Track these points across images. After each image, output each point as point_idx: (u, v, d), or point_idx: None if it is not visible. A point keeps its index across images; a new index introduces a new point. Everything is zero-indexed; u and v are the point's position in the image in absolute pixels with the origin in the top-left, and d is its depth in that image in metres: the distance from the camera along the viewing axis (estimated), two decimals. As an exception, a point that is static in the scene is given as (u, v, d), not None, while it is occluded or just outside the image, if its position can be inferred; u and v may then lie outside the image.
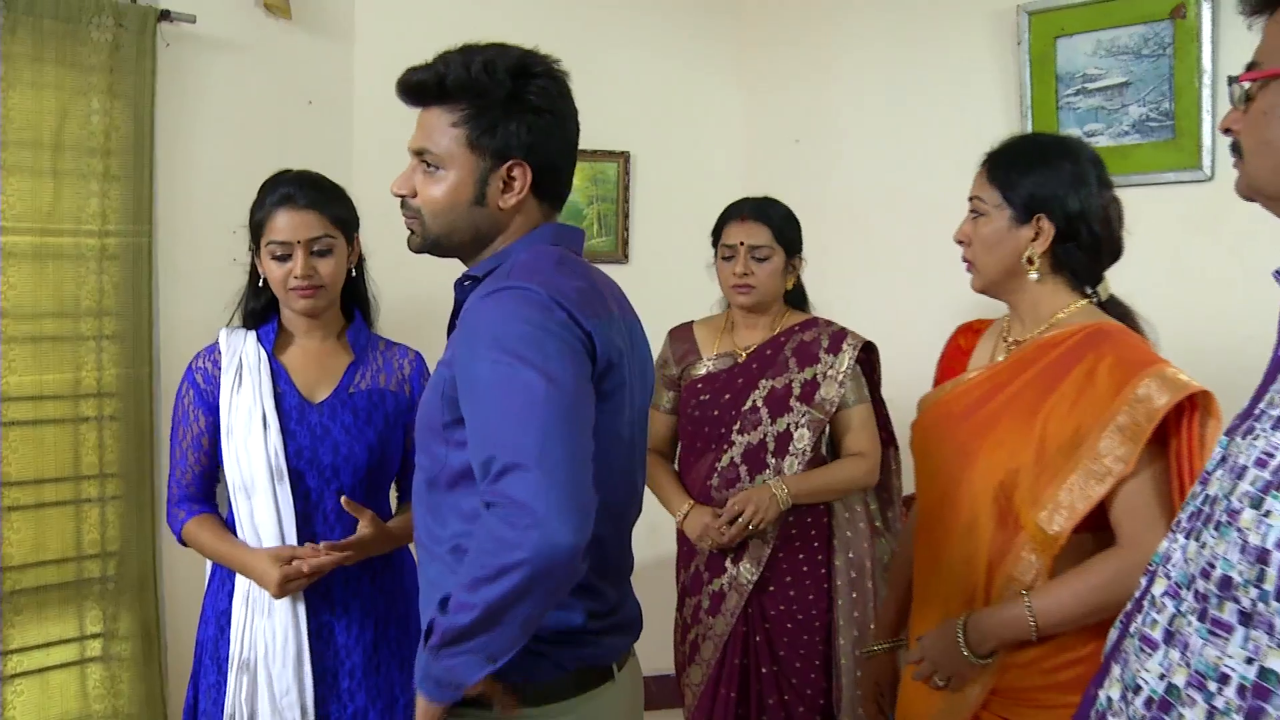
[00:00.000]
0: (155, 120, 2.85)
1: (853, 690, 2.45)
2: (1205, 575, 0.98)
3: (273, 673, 1.96)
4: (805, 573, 2.48)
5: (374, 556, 2.06)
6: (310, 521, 2.03)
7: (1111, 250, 1.73)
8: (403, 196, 1.52)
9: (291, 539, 1.99)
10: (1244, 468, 0.97)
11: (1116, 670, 1.09)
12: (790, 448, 2.46)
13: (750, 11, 3.85)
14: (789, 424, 2.47)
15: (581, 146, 3.47)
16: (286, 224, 2.01)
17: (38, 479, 2.69)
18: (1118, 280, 1.79)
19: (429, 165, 1.49)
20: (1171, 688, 0.98)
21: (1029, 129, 2.94)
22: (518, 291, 1.36)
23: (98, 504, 2.77)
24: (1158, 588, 1.07)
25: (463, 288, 1.52)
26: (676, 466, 2.68)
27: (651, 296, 3.58)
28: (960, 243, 1.79)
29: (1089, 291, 1.74)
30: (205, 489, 2.12)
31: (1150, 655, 1.03)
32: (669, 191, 3.78)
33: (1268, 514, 0.92)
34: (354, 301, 2.19)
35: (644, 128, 3.75)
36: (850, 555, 2.51)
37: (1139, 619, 1.08)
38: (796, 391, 2.48)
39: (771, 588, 2.47)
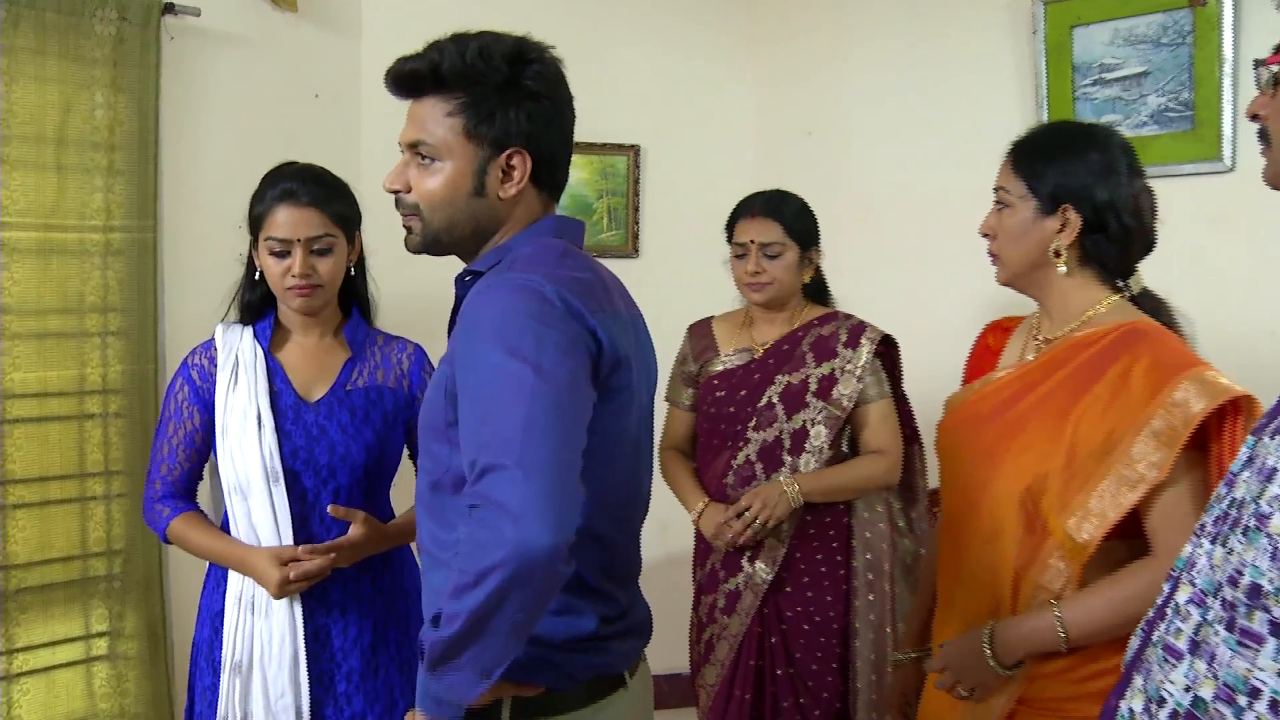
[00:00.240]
0: (159, 114, 2.82)
1: (869, 694, 2.40)
2: (1233, 583, 0.93)
3: (268, 675, 1.93)
4: (823, 574, 2.43)
5: (372, 556, 2.03)
6: (307, 523, 1.99)
7: (1144, 242, 1.67)
8: (397, 193, 1.48)
9: (288, 541, 1.96)
10: (1274, 469, 0.93)
11: (1139, 681, 1.05)
12: (807, 445, 2.41)
13: (761, 2, 3.80)
14: (805, 421, 2.42)
15: (591, 139, 3.56)
16: (287, 220, 1.97)
17: (42, 476, 2.67)
18: (1134, 275, 1.74)
19: (424, 158, 1.45)
20: (1198, 701, 0.94)
21: (1045, 120, 2.89)
22: (518, 284, 1.32)
23: (103, 501, 2.75)
24: (1182, 594, 1.02)
25: (463, 283, 1.47)
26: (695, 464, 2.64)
27: (662, 291, 3.57)
28: (985, 235, 1.73)
29: (1120, 285, 1.68)
30: (190, 487, 2.09)
31: (1175, 666, 0.98)
32: (679, 185, 3.74)
33: None
34: (352, 298, 2.16)
35: (654, 121, 3.71)
36: (869, 557, 2.45)
37: (1162, 627, 1.04)
38: (813, 387, 2.43)
39: (788, 588, 2.42)
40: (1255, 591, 0.90)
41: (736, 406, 2.48)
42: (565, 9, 3.57)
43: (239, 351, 2.03)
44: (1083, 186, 1.62)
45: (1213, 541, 1.00)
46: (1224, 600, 0.94)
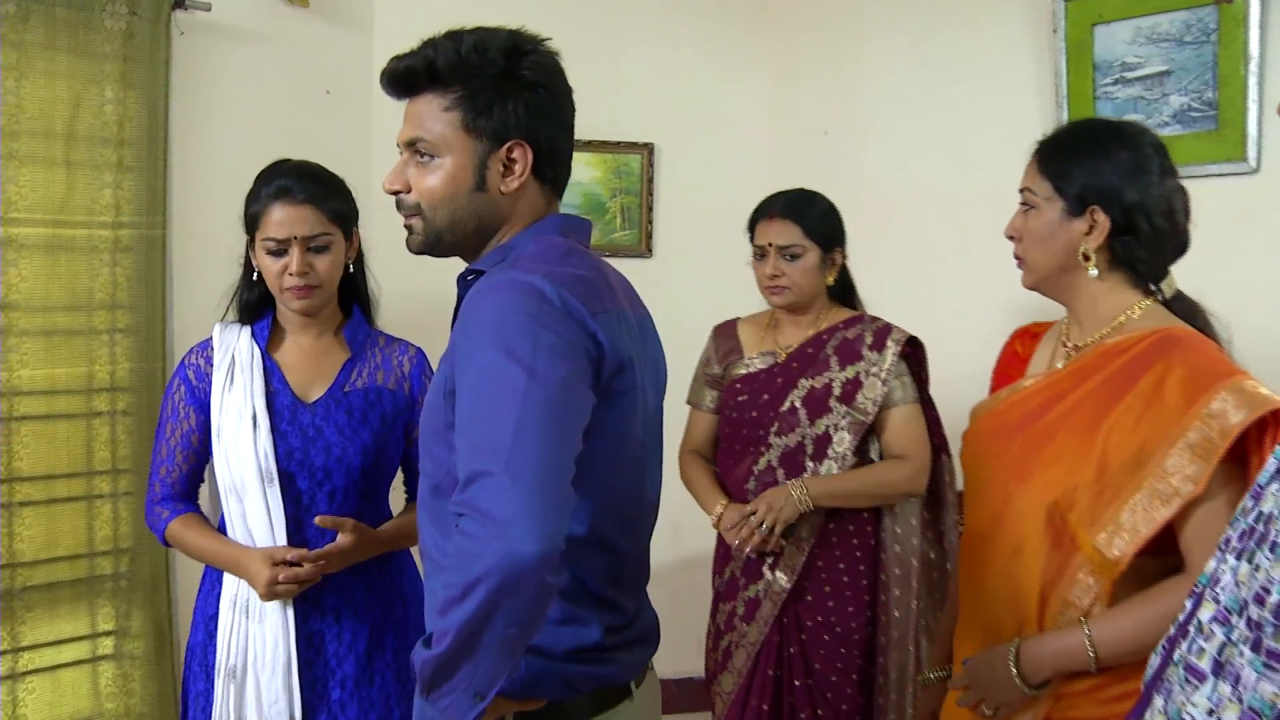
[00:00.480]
0: (169, 110, 2.81)
1: (892, 714, 2.34)
2: (1259, 601, 0.89)
3: (261, 680, 1.89)
4: (845, 583, 2.37)
5: (368, 560, 2.00)
6: (302, 527, 1.96)
7: (1176, 243, 1.61)
8: (397, 193, 1.45)
9: (283, 544, 1.93)
10: None
11: (1159, 702, 1.00)
12: (829, 451, 2.35)
13: (776, 0, 3.76)
14: (828, 426, 2.36)
15: (605, 138, 3.53)
16: (283, 219, 1.94)
17: (49, 474, 2.66)
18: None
19: (423, 155, 1.42)
20: None
21: (1065, 120, 2.84)
22: (518, 282, 1.29)
23: (110, 500, 2.74)
24: (1205, 612, 0.98)
25: (465, 283, 1.44)
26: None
27: (676, 292, 3.56)
28: (1011, 238, 1.68)
29: (1152, 289, 1.62)
30: (190, 488, 2.06)
31: (1197, 687, 0.94)
32: (694, 184, 3.71)
33: None
34: (353, 297, 2.13)
35: (668, 119, 3.67)
36: (898, 571, 2.38)
37: (1184, 645, 0.99)
38: (837, 392, 2.37)
39: (809, 597, 2.37)
40: None
41: (759, 411, 2.43)
42: (579, 7, 3.55)
43: (236, 351, 2.00)
44: (1111, 187, 1.56)
45: (1238, 557, 0.96)
46: (1249, 619, 0.90)
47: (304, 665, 1.93)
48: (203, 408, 2.00)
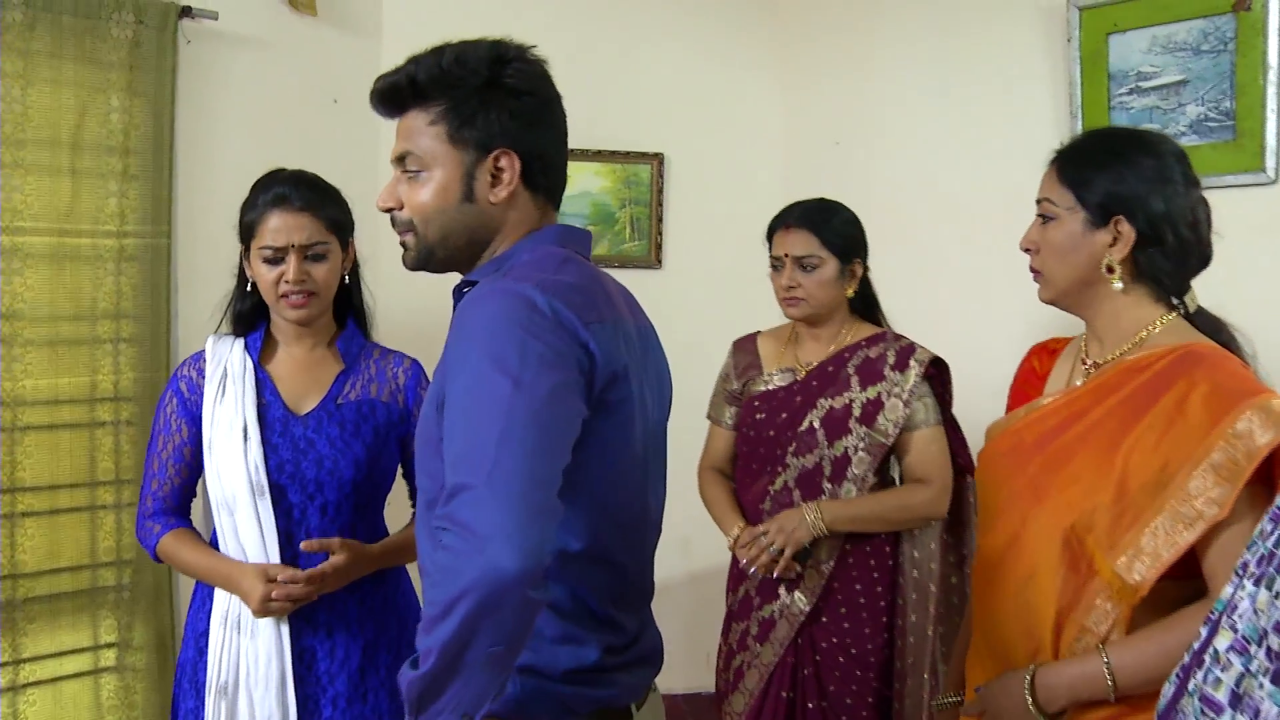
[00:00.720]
0: (175, 119, 2.80)
1: None
2: None
3: (254, 697, 1.86)
4: (862, 605, 2.31)
5: (362, 581, 1.97)
6: (293, 540, 1.93)
7: (1200, 256, 1.56)
8: (390, 211, 1.44)
9: (274, 558, 1.90)
10: None
11: (1174, 733, 0.97)
12: (848, 473, 2.29)
13: (788, 7, 3.73)
14: (847, 448, 2.30)
15: (614, 147, 3.50)
16: (280, 226, 1.92)
17: (52, 485, 2.64)
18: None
19: (411, 170, 1.41)
20: None
21: (1079, 130, 2.80)
22: (510, 291, 1.27)
23: (113, 510, 2.72)
24: (1221, 641, 0.94)
25: (461, 295, 1.42)
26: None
27: (686, 303, 3.54)
28: (1027, 250, 1.63)
29: (1175, 303, 1.57)
30: (182, 503, 2.03)
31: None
32: (704, 195, 3.68)
33: None
34: (348, 308, 2.10)
35: (679, 129, 3.64)
36: (915, 596, 2.33)
37: (1199, 675, 0.95)
38: (856, 413, 2.31)
39: (824, 618, 2.31)
40: None
41: (777, 430, 2.37)
42: (588, 15, 3.53)
43: (228, 363, 1.98)
44: (1136, 196, 1.51)
45: (1256, 583, 0.92)
46: (1269, 649, 0.86)
47: (296, 681, 1.90)
48: (194, 420, 1.98)
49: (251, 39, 2.96)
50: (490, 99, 1.38)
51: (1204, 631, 0.98)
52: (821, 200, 2.41)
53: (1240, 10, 2.52)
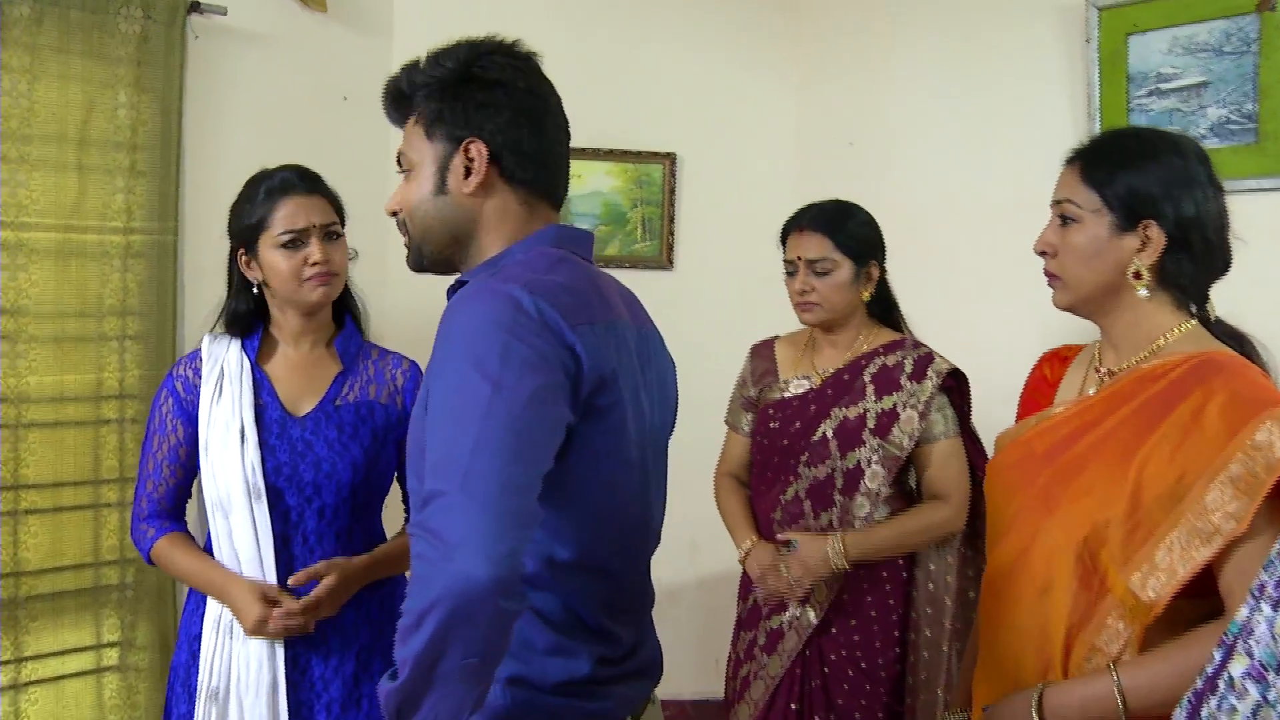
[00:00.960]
0: (183, 115, 2.79)
1: None
2: None
3: (245, 703, 1.83)
4: (873, 617, 2.25)
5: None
6: (289, 544, 1.90)
7: (1224, 261, 1.51)
8: (394, 214, 1.46)
9: (270, 562, 1.87)
10: None
11: (1185, 763, 0.93)
12: (861, 486, 2.23)
13: (803, 7, 3.69)
14: (859, 459, 2.23)
15: (626, 147, 3.47)
16: (297, 209, 1.91)
17: (56, 482, 2.63)
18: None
19: (404, 172, 1.43)
20: None
21: (1097, 133, 2.75)
22: (496, 292, 1.24)
23: (117, 509, 2.70)
24: (1236, 666, 0.89)
25: (452, 295, 1.40)
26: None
27: (697, 305, 3.51)
28: (1043, 253, 1.56)
29: (1194, 310, 1.52)
30: (177, 505, 2.00)
31: None
32: (717, 195, 3.64)
33: None
34: (343, 308, 2.08)
35: (691, 128, 3.61)
36: (929, 610, 2.27)
37: (1212, 702, 0.91)
38: (871, 424, 2.24)
39: (834, 629, 2.25)
40: None
41: (790, 440, 2.31)
42: (600, 13, 3.50)
43: (224, 363, 1.95)
44: (1166, 199, 1.45)
45: (1274, 607, 0.88)
46: (1290, 677, 0.82)
47: (289, 687, 1.87)
48: (190, 420, 1.95)
49: (260, 35, 2.94)
50: (461, 91, 1.38)
51: (1218, 655, 0.94)
52: (837, 202, 2.36)
53: (1265, 10, 2.47)
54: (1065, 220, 1.52)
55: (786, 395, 2.37)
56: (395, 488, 2.10)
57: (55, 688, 2.63)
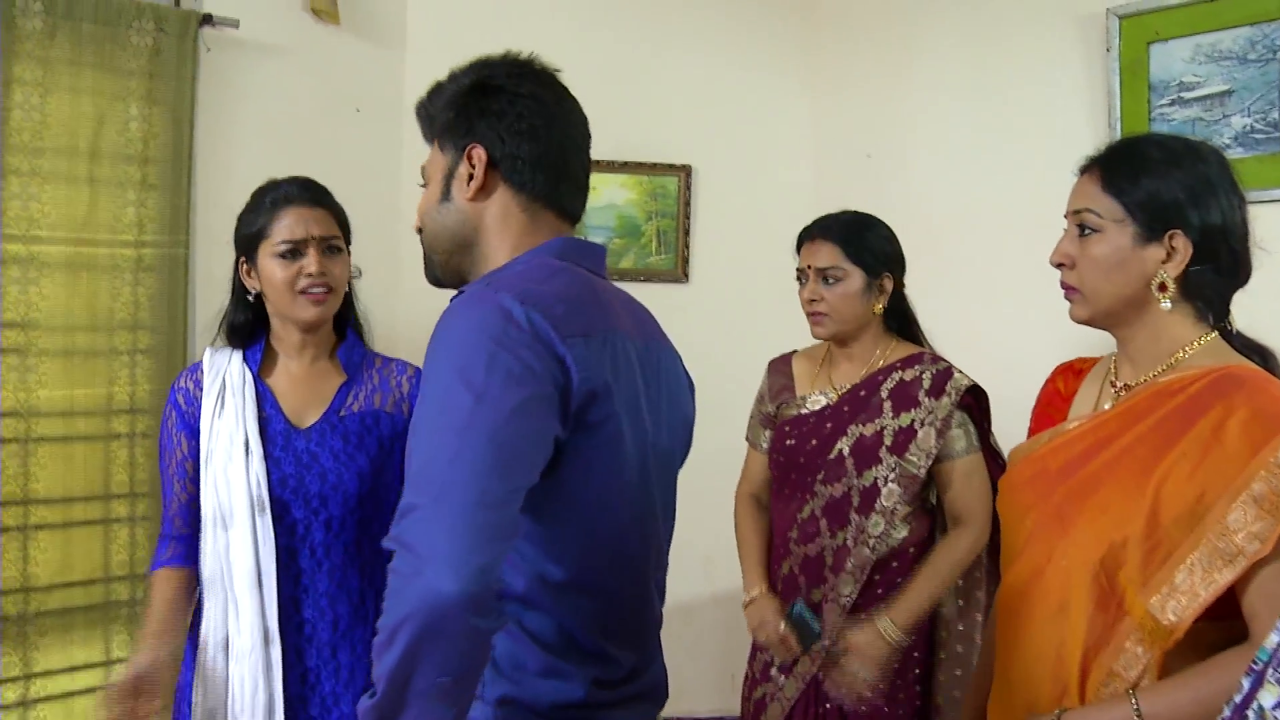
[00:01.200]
0: (195, 127, 2.78)
1: None
2: None
3: None
4: None
5: (368, 592, 1.91)
6: (296, 556, 1.87)
7: (1246, 272, 1.46)
8: (420, 230, 1.47)
9: (270, 575, 1.83)
10: None
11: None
12: (877, 504, 2.17)
13: (820, 16, 3.66)
14: (876, 478, 2.19)
15: (640, 159, 3.44)
16: (297, 220, 1.88)
17: (66, 497, 2.61)
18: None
19: (423, 187, 1.45)
20: None
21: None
22: (486, 301, 1.22)
23: (127, 524, 2.68)
24: (1267, 696, 0.85)
25: None
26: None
27: (712, 319, 3.47)
28: (1060, 265, 1.51)
29: (1213, 323, 1.47)
30: (193, 519, 1.95)
31: None
32: (732, 207, 3.61)
33: None
34: (344, 320, 2.05)
35: (707, 140, 3.58)
36: (961, 627, 2.22)
37: None
38: (888, 441, 2.19)
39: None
40: None
41: (806, 457, 2.27)
42: (615, 24, 3.48)
43: (226, 375, 1.92)
44: (1192, 207, 1.40)
45: None
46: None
47: (298, 705, 1.84)
48: (193, 433, 1.92)
49: (273, 47, 2.93)
50: (467, 101, 1.39)
51: (1246, 684, 0.90)
52: (855, 213, 2.32)
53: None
54: (1084, 230, 1.47)
55: (803, 412, 2.33)
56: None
57: (64, 705, 2.61)
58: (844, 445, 2.23)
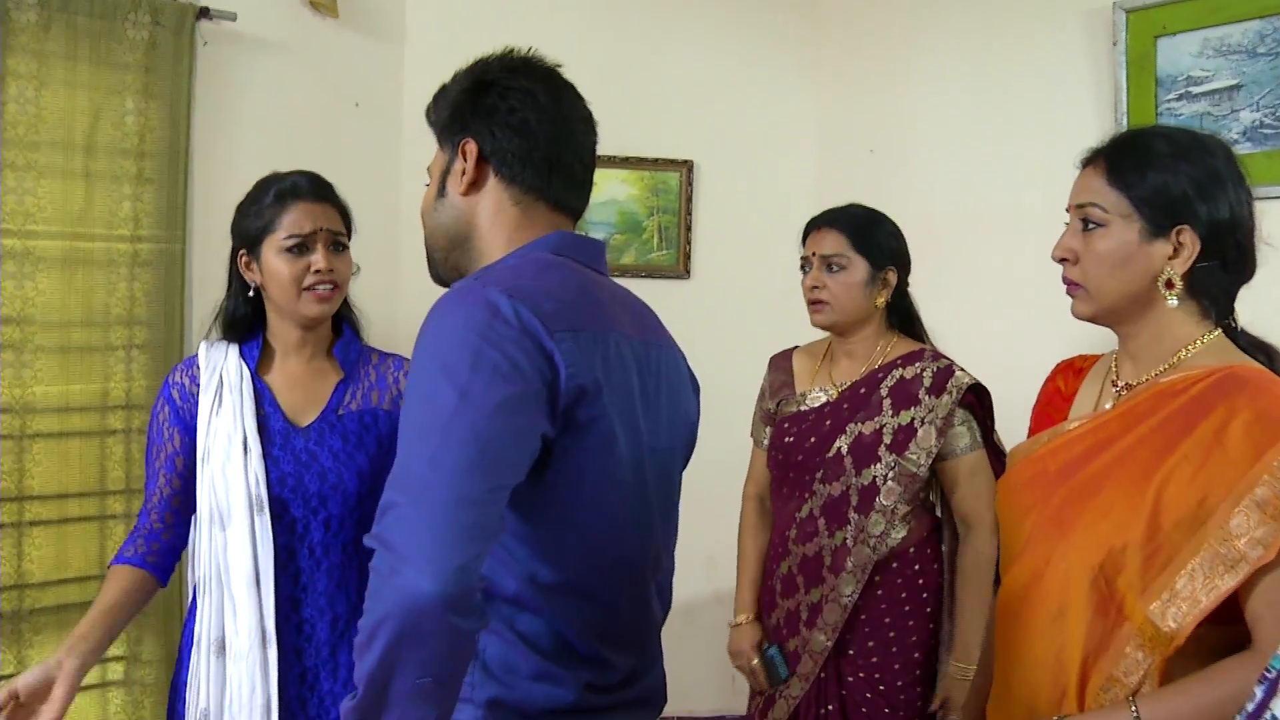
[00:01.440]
0: (192, 122, 2.76)
1: None
2: None
3: None
4: (892, 639, 2.17)
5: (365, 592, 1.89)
6: (295, 555, 1.84)
7: (1251, 269, 1.43)
8: None
9: (268, 575, 1.80)
10: None
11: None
12: (876, 503, 2.14)
13: (823, 10, 3.64)
14: (875, 476, 2.16)
15: (642, 154, 3.42)
16: (305, 215, 1.85)
17: (61, 494, 2.60)
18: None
19: (427, 185, 1.45)
20: None
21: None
22: (473, 295, 1.20)
23: (123, 520, 2.66)
24: None
25: None
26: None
27: (714, 315, 3.45)
28: (1062, 260, 1.47)
29: (1217, 320, 1.43)
30: (172, 516, 1.90)
31: None
32: (735, 203, 3.59)
33: None
34: (340, 316, 2.02)
35: (709, 135, 3.56)
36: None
37: None
38: (887, 440, 2.16)
39: (851, 651, 2.18)
40: None
41: (805, 455, 2.25)
42: (616, 18, 3.46)
43: (223, 372, 1.89)
44: (1201, 203, 1.37)
45: None
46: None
47: (296, 704, 1.81)
48: (188, 429, 1.89)
49: (271, 41, 2.91)
50: (462, 98, 1.38)
51: (1259, 692, 0.87)
52: (864, 207, 2.31)
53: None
54: (1088, 225, 1.43)
55: (803, 409, 2.31)
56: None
57: (59, 703, 2.60)
58: (843, 443, 2.20)
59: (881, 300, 2.25)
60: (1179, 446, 1.33)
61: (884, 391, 2.21)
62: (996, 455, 2.24)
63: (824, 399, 2.29)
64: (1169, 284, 1.39)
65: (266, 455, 1.83)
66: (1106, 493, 1.38)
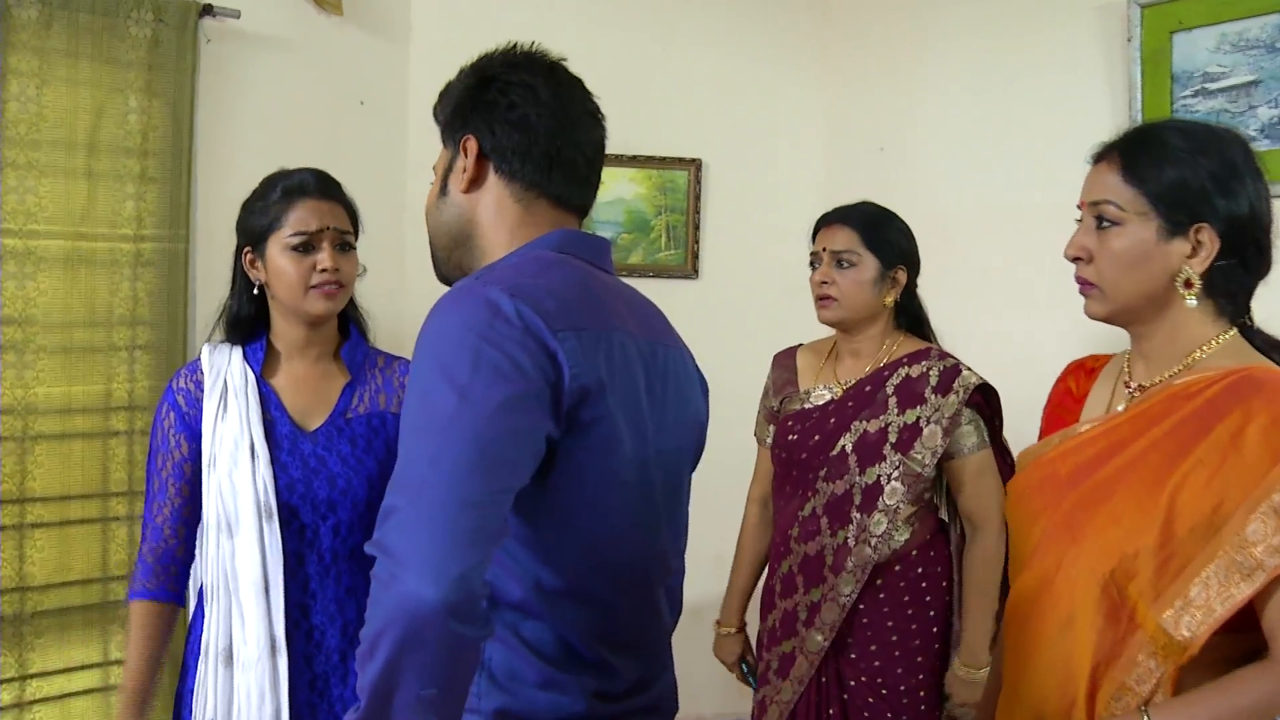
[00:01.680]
0: (195, 120, 2.74)
1: None
2: None
3: None
4: (894, 641, 2.14)
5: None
6: (304, 562, 1.81)
7: (1268, 266, 1.39)
8: None
9: (277, 583, 1.77)
10: None
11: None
12: (879, 503, 2.11)
13: (832, 8, 3.60)
14: (879, 475, 2.13)
15: (650, 152, 3.39)
16: (311, 212, 1.82)
17: (63, 495, 2.58)
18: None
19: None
20: None
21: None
22: (473, 294, 1.17)
23: (125, 522, 2.65)
24: None
25: None
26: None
27: (722, 315, 3.42)
28: (1076, 259, 1.43)
29: (1232, 319, 1.39)
30: (184, 529, 1.88)
31: None
32: (743, 202, 3.55)
33: None
34: (346, 318, 1.99)
35: (717, 134, 3.52)
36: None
37: None
38: (892, 438, 2.14)
39: (852, 654, 2.15)
40: None
41: (808, 453, 2.22)
42: (622, 16, 3.42)
43: (228, 375, 1.86)
44: (1220, 198, 1.33)
45: None
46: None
47: (307, 711, 1.79)
48: (194, 435, 1.86)
49: (274, 39, 2.89)
50: (464, 96, 1.37)
51: None
52: (876, 205, 2.29)
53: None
54: (1102, 222, 1.39)
55: (806, 406, 2.29)
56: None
57: (61, 706, 2.58)
58: (847, 442, 2.18)
59: (890, 299, 2.23)
60: (1193, 451, 1.29)
61: (889, 390, 2.18)
62: (1003, 457, 2.21)
63: (828, 397, 2.26)
64: (1188, 283, 1.35)
65: (274, 461, 1.81)
66: (1118, 498, 1.35)
